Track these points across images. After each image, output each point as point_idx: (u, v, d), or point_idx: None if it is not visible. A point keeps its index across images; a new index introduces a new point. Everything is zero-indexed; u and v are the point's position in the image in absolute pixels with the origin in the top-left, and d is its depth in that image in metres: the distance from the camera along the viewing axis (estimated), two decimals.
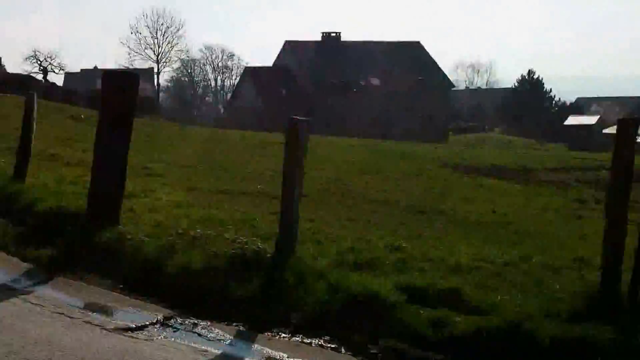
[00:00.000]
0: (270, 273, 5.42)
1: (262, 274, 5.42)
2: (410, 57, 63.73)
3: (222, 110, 75.35)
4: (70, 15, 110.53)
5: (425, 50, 68.16)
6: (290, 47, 63.99)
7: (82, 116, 21.70)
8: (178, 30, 71.84)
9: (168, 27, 70.80)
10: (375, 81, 61.33)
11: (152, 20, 71.48)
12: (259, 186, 10.57)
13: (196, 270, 5.53)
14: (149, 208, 8.06)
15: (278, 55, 65.74)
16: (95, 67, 79.86)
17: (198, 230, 6.38)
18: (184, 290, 5.36)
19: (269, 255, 5.66)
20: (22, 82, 38.47)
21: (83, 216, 6.71)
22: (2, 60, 64.62)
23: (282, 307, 5.06)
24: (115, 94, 6.76)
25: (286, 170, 5.81)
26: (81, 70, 79.44)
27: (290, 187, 5.79)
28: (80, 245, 6.23)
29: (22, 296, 5.10)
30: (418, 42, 68.82)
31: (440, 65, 68.61)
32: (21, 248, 6.40)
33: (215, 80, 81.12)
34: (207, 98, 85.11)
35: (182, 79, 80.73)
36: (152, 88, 68.88)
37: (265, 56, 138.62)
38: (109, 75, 7.01)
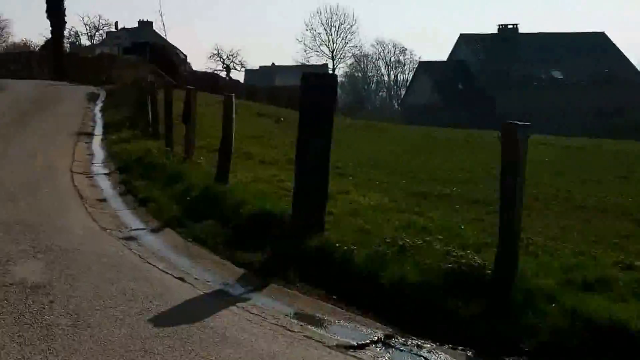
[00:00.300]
0: (493, 292, 4.93)
1: (484, 292, 4.95)
2: (595, 48, 59.52)
3: (395, 106, 75.14)
4: (250, 13, 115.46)
5: (610, 41, 63.41)
6: (466, 41, 62.20)
7: (282, 119, 22.15)
8: (351, 26, 72.70)
9: (341, 24, 71.83)
10: (557, 74, 57.97)
11: (325, 17, 72.85)
12: (453, 188, 10.05)
13: (410, 285, 5.18)
14: (348, 211, 7.87)
15: (453, 48, 64.22)
16: (273, 64, 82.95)
17: (406, 240, 6.02)
18: (399, 305, 5.04)
19: (489, 271, 5.15)
20: (209, 80, 40.57)
21: (288, 220, 6.63)
22: (188, 58, 68.72)
23: (510, 331, 4.56)
24: (315, 94, 6.60)
25: (505, 181, 5.24)
26: (260, 67, 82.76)
27: (511, 199, 5.22)
28: (288, 251, 6.11)
29: (241, 304, 5.02)
30: (602, 33, 64.19)
31: (629, 56, 63.57)
32: (231, 251, 6.41)
33: (388, 75, 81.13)
34: (380, 93, 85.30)
35: (356, 74, 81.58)
36: None
37: (439, 50, 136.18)
38: (308, 76, 6.82)
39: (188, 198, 8.23)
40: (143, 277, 5.57)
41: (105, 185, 9.74)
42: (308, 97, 6.59)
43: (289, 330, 4.53)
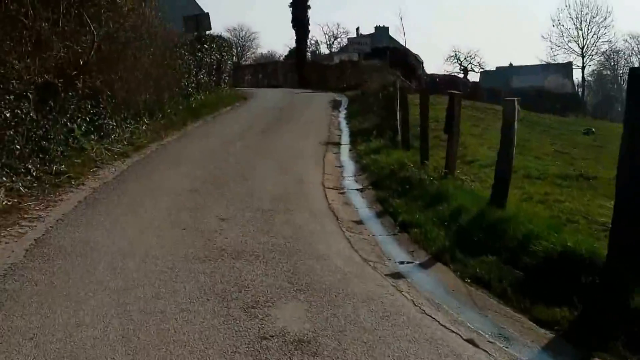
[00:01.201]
0: None
1: None
2: None
3: None
4: (491, 13, 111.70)
5: None
6: None
7: (593, 129, 20.08)
8: (605, 19, 66.49)
9: (593, 17, 66.02)
10: None
11: (575, 10, 67.52)
12: None
13: None
14: None
15: None
16: (510, 65, 79.20)
17: None
18: None
19: None
20: (447, 83, 39.31)
21: (600, 263, 5.13)
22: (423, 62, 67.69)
23: None
24: None
25: None
26: (496, 68, 79.53)
27: None
28: (607, 310, 4.62)
29: None
30: None
31: None
32: (526, 302, 5.07)
33: None
34: None
35: (604, 72, 74.99)
36: (571, 84, 65.15)
37: None
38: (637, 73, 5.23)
39: (457, 224, 7.01)
40: (423, 336, 4.44)
41: (360, 203, 8.86)
42: (636, 97, 5.01)
43: None
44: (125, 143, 12.21)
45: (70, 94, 10.30)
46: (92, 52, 10.86)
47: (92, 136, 11.17)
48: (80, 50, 10.66)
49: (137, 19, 13.30)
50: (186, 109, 18.21)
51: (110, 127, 12.05)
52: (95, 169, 10.05)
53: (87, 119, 11.09)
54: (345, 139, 15.43)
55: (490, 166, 11.85)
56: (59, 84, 9.83)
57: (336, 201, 8.79)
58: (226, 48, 27.33)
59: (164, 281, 5.32)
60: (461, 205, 7.51)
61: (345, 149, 13.92)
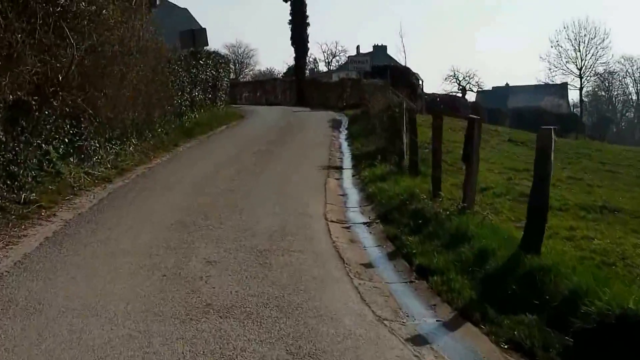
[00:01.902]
0: None
1: None
2: None
3: None
4: (486, 33, 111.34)
5: None
6: None
7: None
8: (602, 41, 65.70)
9: (591, 39, 65.22)
10: None
11: (573, 32, 66.69)
12: None
13: None
14: None
15: None
16: (507, 85, 78.61)
17: None
18: None
19: None
20: (448, 103, 38.58)
21: None
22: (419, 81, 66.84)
23: None
24: None
25: None
26: (492, 87, 78.94)
27: None
28: None
29: None
30: None
31: None
32: None
33: (637, 93, 72.73)
34: (627, 114, 76.90)
35: (599, 93, 74.38)
36: (566, 104, 64.40)
37: None
38: None
39: (484, 271, 6.00)
40: None
41: (368, 240, 7.85)
42: None
43: None
44: (109, 166, 11.19)
45: (46, 112, 9.30)
46: (73, 67, 9.87)
47: (71, 159, 10.16)
48: (59, 65, 9.65)
49: (125, 32, 12.31)
50: (178, 128, 17.25)
51: (92, 148, 11.04)
52: (71, 196, 9.03)
53: (66, 140, 10.09)
54: (347, 162, 14.44)
55: (504, 195, 10.90)
56: (34, 102, 8.84)
57: (341, 238, 7.76)
58: (223, 64, 26.43)
59: (132, 351, 4.27)
60: (486, 246, 6.50)
61: (347, 174, 12.93)
